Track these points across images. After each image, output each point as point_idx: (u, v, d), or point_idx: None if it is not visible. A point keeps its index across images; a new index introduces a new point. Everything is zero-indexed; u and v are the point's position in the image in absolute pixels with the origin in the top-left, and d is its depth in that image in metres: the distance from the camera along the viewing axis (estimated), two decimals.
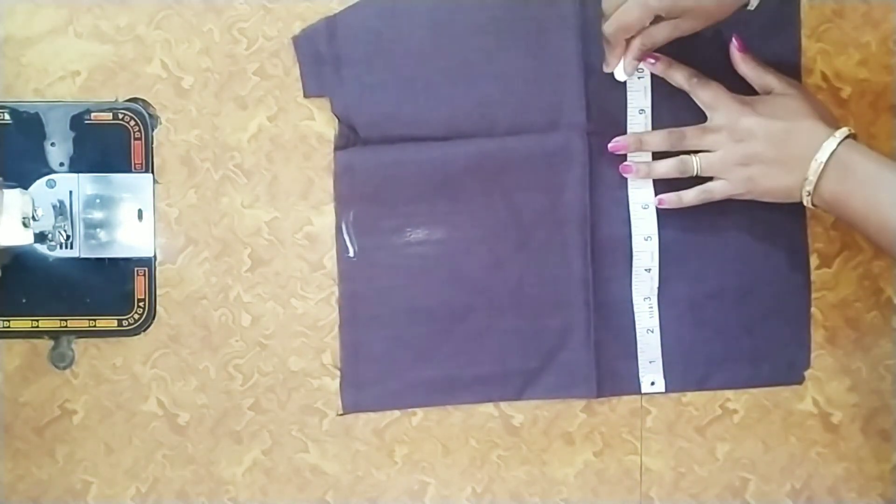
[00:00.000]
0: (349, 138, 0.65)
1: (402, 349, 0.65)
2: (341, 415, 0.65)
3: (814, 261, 0.67)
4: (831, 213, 0.59)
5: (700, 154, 0.62)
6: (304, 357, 0.65)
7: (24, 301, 0.64)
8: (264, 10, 0.65)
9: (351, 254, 0.65)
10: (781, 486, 0.67)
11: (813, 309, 0.66)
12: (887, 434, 0.67)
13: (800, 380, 0.67)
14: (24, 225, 0.59)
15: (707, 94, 0.62)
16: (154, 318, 0.64)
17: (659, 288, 0.65)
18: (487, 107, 0.64)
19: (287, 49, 0.64)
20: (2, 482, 0.65)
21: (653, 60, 0.63)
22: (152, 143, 0.64)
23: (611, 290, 0.65)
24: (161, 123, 0.65)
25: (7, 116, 0.63)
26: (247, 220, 0.65)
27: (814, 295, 0.67)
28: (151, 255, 0.64)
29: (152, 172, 0.64)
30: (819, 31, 0.66)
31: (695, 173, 0.62)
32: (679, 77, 0.63)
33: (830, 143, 0.57)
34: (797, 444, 0.67)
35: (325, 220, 0.65)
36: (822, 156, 0.57)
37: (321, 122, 0.65)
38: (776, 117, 0.59)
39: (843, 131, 0.58)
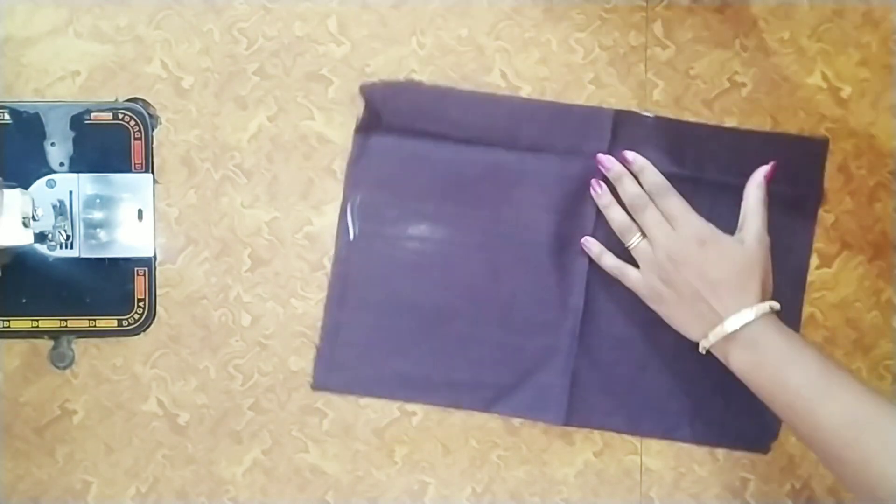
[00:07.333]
0: (371, 123, 0.64)
1: (382, 339, 0.65)
2: (314, 388, 0.65)
3: (814, 261, 0.67)
4: (741, 379, 0.59)
5: (645, 238, 0.62)
6: (304, 357, 0.65)
7: (24, 301, 0.64)
8: (264, 10, 0.65)
9: (351, 237, 0.65)
10: (781, 486, 0.67)
11: (813, 309, 0.66)
12: None
13: (765, 449, 0.66)
14: (24, 225, 0.59)
15: (671, 206, 0.61)
16: (154, 318, 0.64)
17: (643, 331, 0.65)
18: (514, 119, 0.64)
19: (287, 49, 0.64)
20: (2, 482, 0.65)
21: (630, 158, 0.63)
22: (152, 143, 0.64)
23: (599, 323, 0.65)
24: (161, 123, 0.65)
25: (7, 116, 0.63)
26: (247, 220, 0.65)
27: (814, 295, 0.67)
28: (151, 255, 0.64)
29: (152, 172, 0.64)
30: (819, 31, 0.66)
31: (627, 246, 0.63)
32: (649, 178, 0.62)
33: (746, 315, 0.58)
34: (796, 443, 0.67)
35: (325, 220, 0.65)
36: (731, 325, 0.58)
37: (321, 122, 0.65)
38: (718, 267, 0.59)
39: (765, 307, 0.58)
